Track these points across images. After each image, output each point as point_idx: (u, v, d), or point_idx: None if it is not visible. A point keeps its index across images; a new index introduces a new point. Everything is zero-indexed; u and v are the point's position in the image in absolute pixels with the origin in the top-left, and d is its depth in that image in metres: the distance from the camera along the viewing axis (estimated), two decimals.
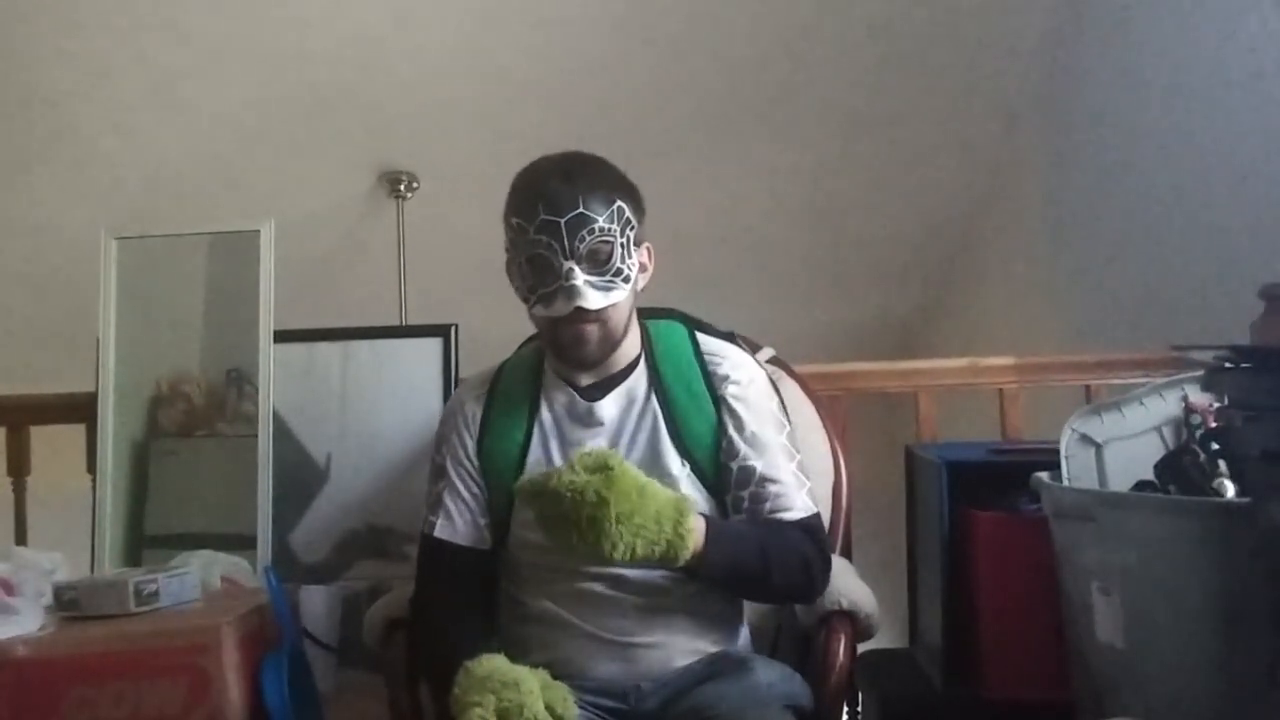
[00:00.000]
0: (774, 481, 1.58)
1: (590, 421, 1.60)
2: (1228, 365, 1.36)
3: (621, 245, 1.52)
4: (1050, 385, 2.45)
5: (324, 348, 2.33)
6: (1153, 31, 2.68)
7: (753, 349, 1.91)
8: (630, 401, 1.61)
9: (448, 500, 1.62)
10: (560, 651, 1.54)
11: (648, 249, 1.61)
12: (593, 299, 1.50)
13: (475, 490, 1.62)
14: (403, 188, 3.53)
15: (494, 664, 1.40)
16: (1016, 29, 3.13)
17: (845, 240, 3.89)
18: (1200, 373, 1.48)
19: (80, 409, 2.31)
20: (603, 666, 1.53)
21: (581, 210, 1.49)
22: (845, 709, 1.77)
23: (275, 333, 2.24)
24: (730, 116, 3.38)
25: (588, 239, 1.49)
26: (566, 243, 1.48)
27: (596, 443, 1.58)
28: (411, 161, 3.51)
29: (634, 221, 1.55)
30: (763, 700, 1.50)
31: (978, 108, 3.39)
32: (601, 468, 1.38)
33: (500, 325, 1.95)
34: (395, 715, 1.68)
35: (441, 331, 2.32)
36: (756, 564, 1.51)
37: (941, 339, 4.26)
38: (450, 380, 2.26)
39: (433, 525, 1.62)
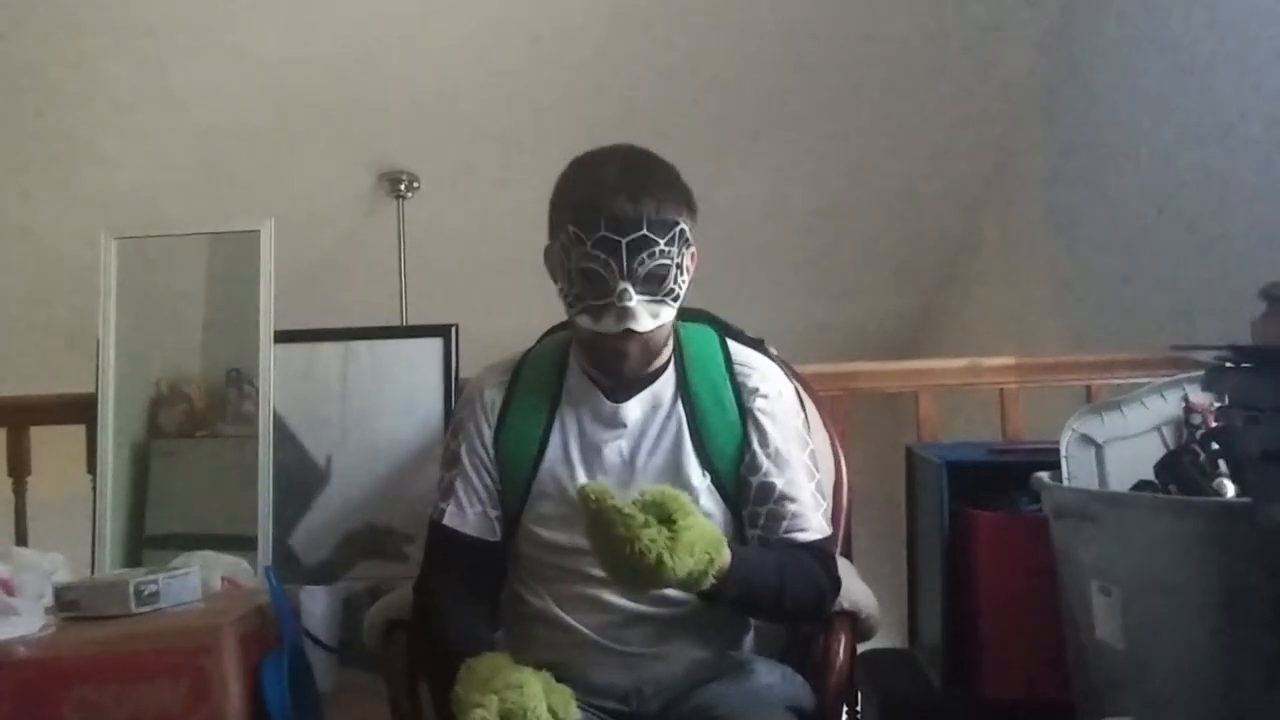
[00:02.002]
0: (792, 500, 1.56)
1: (614, 423, 1.57)
2: (1228, 365, 1.36)
3: (678, 266, 1.48)
4: (1050, 385, 2.45)
5: (324, 348, 2.33)
6: (1152, 32, 2.67)
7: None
8: (655, 406, 1.58)
9: (459, 489, 1.59)
10: (562, 655, 1.52)
11: (691, 254, 1.53)
12: (644, 321, 1.46)
13: (488, 482, 1.59)
14: (403, 188, 3.53)
15: (496, 663, 1.40)
16: (1017, 31, 3.13)
17: (846, 241, 3.89)
18: (1200, 373, 1.47)
19: (80, 409, 2.31)
20: (605, 673, 1.53)
21: (645, 233, 1.43)
22: (845, 709, 1.77)
23: (275, 333, 2.24)
24: (732, 117, 3.38)
25: (648, 262, 1.44)
26: (625, 264, 1.43)
27: (617, 445, 1.56)
28: (412, 161, 3.52)
29: (690, 239, 1.51)
30: (764, 702, 1.49)
31: (978, 108, 3.39)
32: (668, 520, 1.33)
33: (500, 325, 1.96)
34: (396, 716, 1.68)
35: (442, 332, 2.31)
36: (772, 592, 1.49)
37: (942, 339, 4.27)
38: (451, 380, 2.26)
39: (442, 512, 1.59)
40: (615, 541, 1.31)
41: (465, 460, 1.60)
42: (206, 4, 2.95)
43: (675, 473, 1.54)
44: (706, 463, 1.56)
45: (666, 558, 1.31)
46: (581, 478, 1.53)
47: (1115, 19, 2.85)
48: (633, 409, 1.57)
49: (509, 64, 3.18)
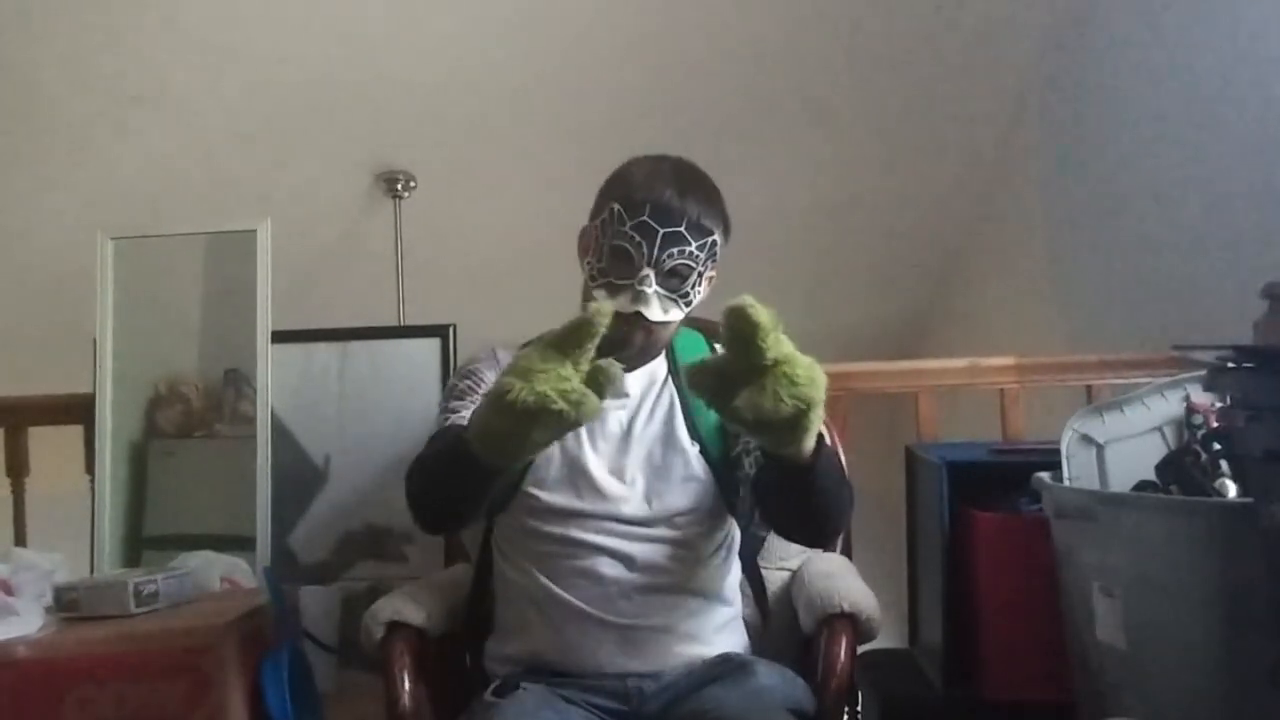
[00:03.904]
0: None
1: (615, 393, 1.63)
2: (1230, 365, 1.35)
3: (699, 274, 1.57)
4: (1051, 385, 2.45)
5: (322, 348, 2.33)
6: (1152, 33, 2.68)
7: None
8: (651, 382, 1.68)
9: (478, 401, 1.53)
10: (560, 635, 1.55)
11: (710, 277, 1.64)
12: (655, 310, 1.54)
13: None
14: (400, 187, 3.52)
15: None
16: (1018, 31, 3.12)
17: (846, 240, 3.88)
18: (1202, 372, 1.47)
19: (78, 410, 2.30)
20: (604, 652, 1.54)
21: (681, 230, 1.53)
22: (845, 710, 1.77)
23: (273, 333, 2.24)
24: (730, 119, 3.38)
25: (675, 257, 1.53)
26: (655, 251, 1.52)
27: (618, 414, 1.63)
28: (409, 161, 3.51)
29: (717, 256, 1.61)
30: (766, 704, 1.49)
31: (978, 108, 3.38)
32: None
33: (499, 325, 1.95)
34: (394, 716, 1.67)
35: (439, 332, 2.32)
36: (837, 467, 1.55)
37: (942, 339, 4.26)
38: (448, 380, 2.25)
39: (460, 418, 1.55)
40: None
41: (481, 390, 1.61)
42: (203, 3, 2.95)
43: (669, 440, 1.63)
44: (695, 435, 1.64)
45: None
46: (585, 443, 1.61)
47: (1114, 21, 2.85)
48: (632, 381, 1.64)
49: (507, 64, 3.17)
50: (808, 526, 1.61)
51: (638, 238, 1.52)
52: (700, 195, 1.57)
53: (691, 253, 1.54)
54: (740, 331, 1.27)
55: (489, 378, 1.64)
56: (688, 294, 1.56)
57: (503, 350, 1.71)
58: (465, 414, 1.57)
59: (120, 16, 2.94)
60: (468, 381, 1.67)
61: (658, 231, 1.51)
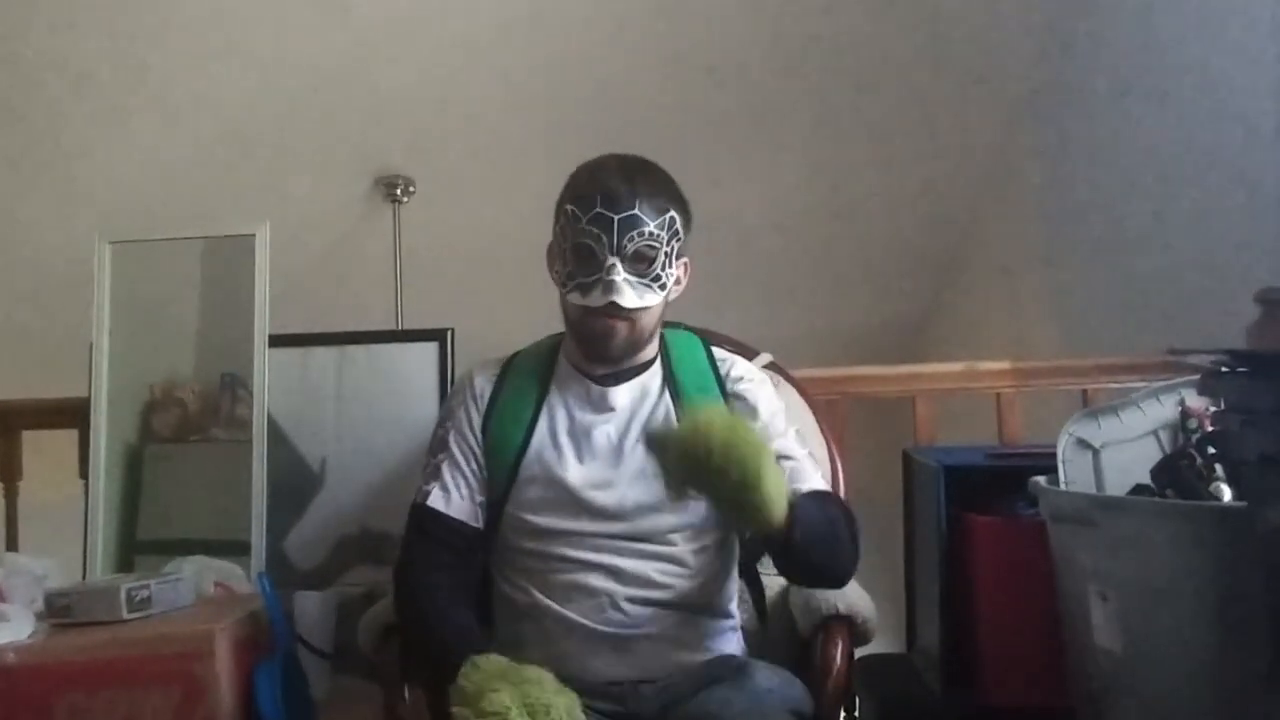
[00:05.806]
0: (789, 458, 1.61)
1: (602, 407, 1.63)
2: (1224, 370, 1.35)
3: (665, 254, 1.57)
4: (1047, 389, 2.45)
5: (319, 352, 2.32)
6: (1149, 36, 2.68)
7: (750, 354, 1.91)
8: (644, 394, 1.65)
9: (445, 472, 1.62)
10: (556, 647, 1.54)
11: (685, 263, 1.64)
12: (628, 297, 1.54)
13: (474, 468, 1.63)
14: (399, 192, 3.52)
15: (502, 661, 1.39)
16: (1014, 34, 3.12)
17: (843, 245, 3.88)
18: (1197, 377, 1.47)
19: (73, 414, 2.30)
20: (599, 660, 1.53)
21: (635, 212, 1.53)
22: (843, 713, 1.76)
23: (270, 337, 2.23)
24: (728, 122, 3.38)
25: (636, 240, 1.53)
26: (615, 239, 1.52)
27: (606, 429, 1.61)
28: (408, 166, 3.51)
29: (681, 234, 1.60)
30: (764, 706, 1.49)
31: (975, 113, 3.38)
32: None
33: (497, 329, 1.95)
34: None
35: (437, 336, 2.31)
36: (827, 519, 1.54)
37: (939, 343, 4.26)
38: (446, 385, 2.25)
39: (426, 495, 1.62)
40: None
41: (453, 445, 1.64)
42: (202, 7, 2.95)
43: None
44: None
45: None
46: (570, 461, 1.59)
47: (1112, 25, 2.85)
48: (621, 394, 1.63)
49: (506, 69, 3.17)
50: (809, 578, 1.64)
51: (595, 230, 1.53)
52: (648, 178, 1.58)
53: (651, 233, 1.54)
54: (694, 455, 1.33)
55: (460, 417, 1.65)
56: (659, 276, 1.56)
57: (479, 374, 1.69)
58: (434, 490, 1.61)
59: (120, 20, 2.94)
60: (444, 429, 1.67)
61: (613, 219, 1.52)
